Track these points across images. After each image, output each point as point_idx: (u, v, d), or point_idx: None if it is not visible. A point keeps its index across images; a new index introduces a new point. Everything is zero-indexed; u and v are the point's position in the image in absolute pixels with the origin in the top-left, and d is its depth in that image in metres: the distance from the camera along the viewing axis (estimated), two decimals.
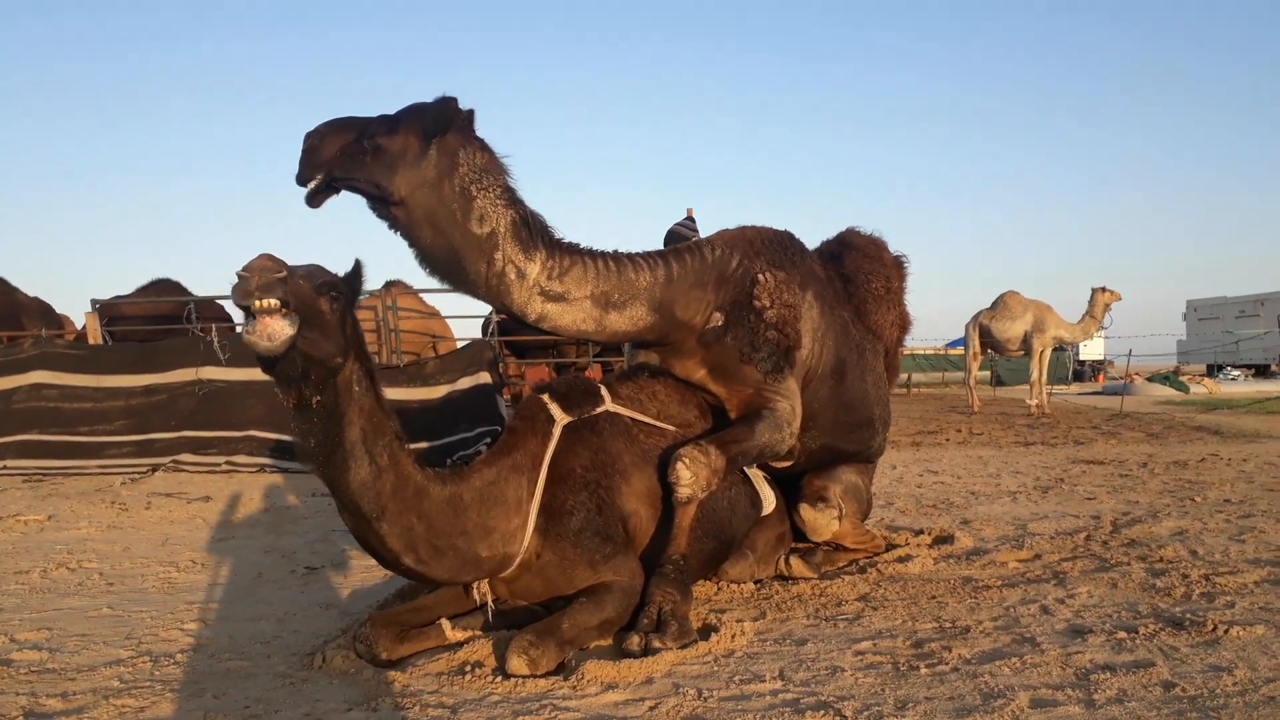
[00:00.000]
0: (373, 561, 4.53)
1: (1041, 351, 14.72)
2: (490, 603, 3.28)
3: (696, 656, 3.06)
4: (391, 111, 3.03)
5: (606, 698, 2.72)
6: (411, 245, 3.11)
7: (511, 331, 10.22)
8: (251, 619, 3.66)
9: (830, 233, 4.85)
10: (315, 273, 2.63)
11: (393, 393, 8.90)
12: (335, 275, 2.68)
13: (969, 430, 11.84)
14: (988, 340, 15.26)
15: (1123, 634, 3.20)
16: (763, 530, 4.09)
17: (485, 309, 11.75)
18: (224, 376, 9.19)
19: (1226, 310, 38.40)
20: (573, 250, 3.42)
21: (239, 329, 10.45)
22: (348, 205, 3.12)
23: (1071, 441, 10.23)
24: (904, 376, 23.40)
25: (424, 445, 8.49)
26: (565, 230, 3.40)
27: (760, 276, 3.79)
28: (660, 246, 4.03)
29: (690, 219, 6.08)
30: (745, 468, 3.96)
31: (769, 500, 4.09)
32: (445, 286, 3.36)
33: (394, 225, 3.10)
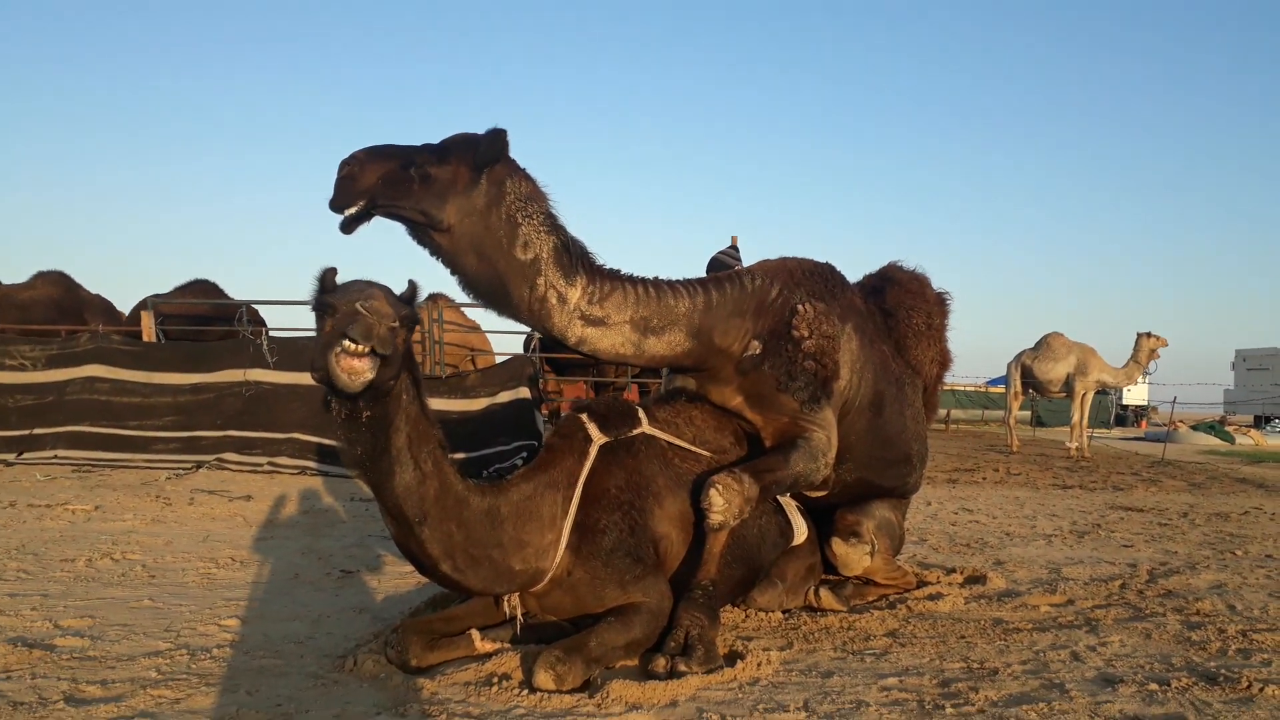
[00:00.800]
0: (405, 568, 4.65)
1: (1083, 394, 14.53)
2: (520, 616, 3.33)
3: (721, 682, 3.08)
4: (422, 142, 3.11)
5: (630, 718, 2.75)
6: (455, 271, 3.19)
7: (552, 349, 10.31)
8: (287, 619, 3.74)
9: (873, 267, 4.87)
10: (399, 304, 2.66)
11: (434, 403, 9.00)
12: (406, 304, 2.70)
13: (1006, 470, 11.71)
14: (1029, 380, 15.10)
15: (1154, 686, 3.16)
16: (793, 560, 4.10)
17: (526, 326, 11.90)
18: (271, 379, 9.38)
19: (1276, 361, 37.56)
20: (613, 276, 3.48)
21: (287, 333, 10.67)
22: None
23: (1111, 487, 10.08)
24: (943, 412, 23.20)
25: (461, 456, 8.60)
26: (607, 257, 3.47)
27: (800, 307, 3.82)
28: (703, 274, 4.08)
29: (734, 247, 6.13)
30: (778, 496, 3.97)
31: (800, 530, 4.09)
32: (485, 309, 3.43)
33: (435, 252, 3.18)
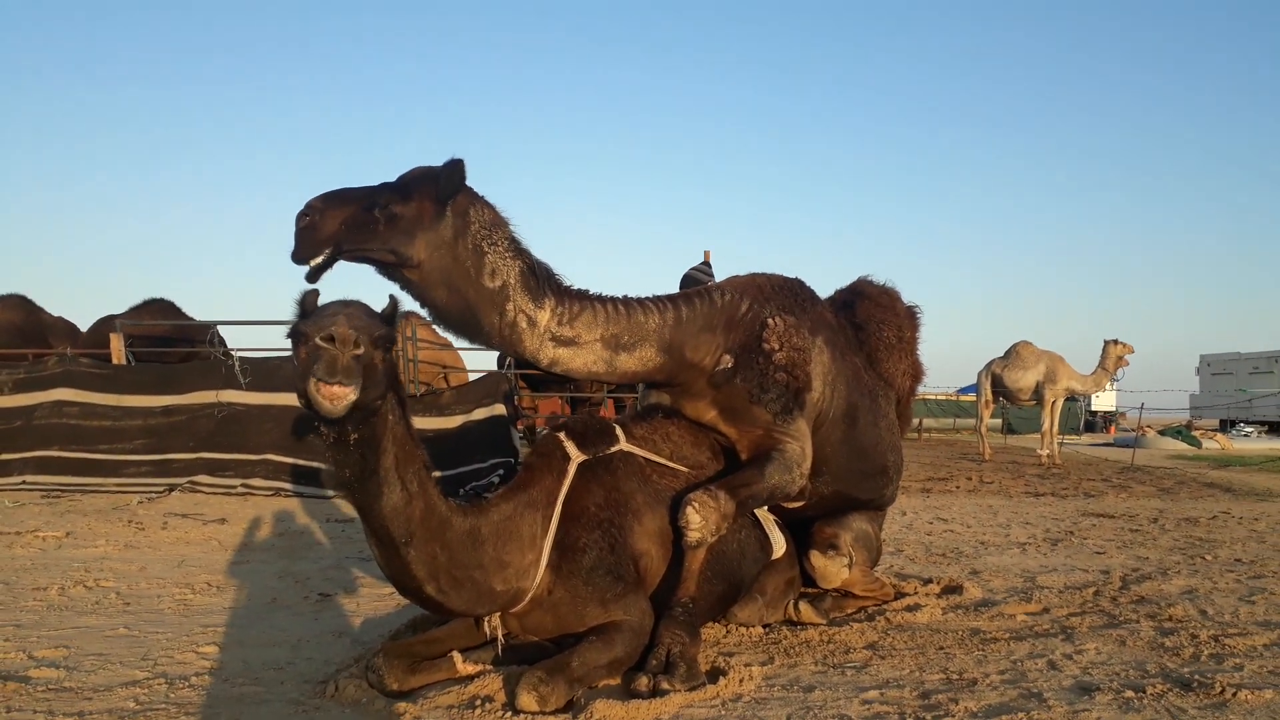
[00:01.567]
0: (383, 590, 4.62)
1: (1053, 402, 14.72)
2: (502, 637, 3.32)
3: (704, 700, 3.09)
4: (379, 181, 3.13)
5: None
6: (425, 305, 3.21)
7: (527, 365, 10.29)
8: (265, 644, 3.71)
9: (842, 281, 4.93)
10: (372, 325, 2.67)
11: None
12: (385, 323, 2.70)
13: (979, 478, 11.83)
14: (1000, 389, 15.28)
15: (1130, 693, 3.21)
16: (772, 575, 4.12)
17: (498, 351, 11.90)
18: (243, 400, 9.29)
19: (1240, 366, 38.21)
20: (581, 296, 3.52)
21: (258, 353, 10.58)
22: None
23: (1082, 494, 10.21)
24: (915, 421, 23.36)
25: (438, 474, 8.55)
26: (580, 273, 3.50)
27: (770, 320, 3.86)
28: (676, 290, 4.12)
29: (707, 263, 6.18)
30: (756, 510, 4.00)
31: (779, 544, 4.12)
32: (457, 337, 3.45)
33: (406, 286, 3.20)
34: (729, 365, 3.80)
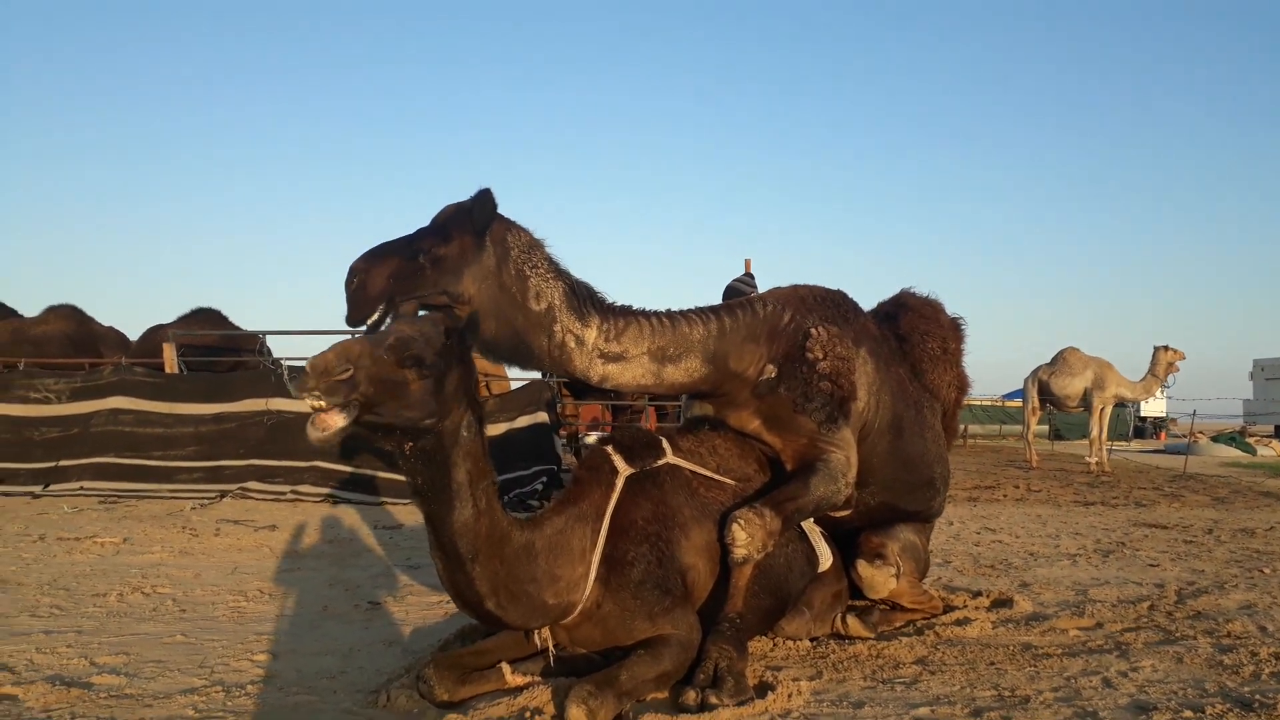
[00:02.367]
0: (432, 599, 4.68)
1: (1101, 409, 14.46)
2: (552, 648, 3.34)
3: (752, 715, 3.08)
4: (415, 227, 3.20)
5: None
6: (476, 337, 3.23)
7: None
8: (317, 653, 3.77)
9: (885, 289, 4.91)
10: (405, 343, 2.71)
11: None
12: (435, 337, 2.75)
13: (1027, 487, 11.66)
14: (1046, 396, 15.04)
15: (1189, 713, 3.14)
16: (819, 588, 4.10)
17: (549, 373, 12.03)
18: (292, 408, 9.44)
19: None
20: (625, 311, 3.55)
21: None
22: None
23: (1133, 503, 10.02)
24: (960, 428, 23.09)
25: None
26: (619, 286, 3.54)
27: (813, 330, 3.85)
28: (719, 301, 4.13)
29: (749, 274, 6.17)
30: (802, 523, 3.99)
31: (825, 557, 4.10)
32: (508, 365, 3.50)
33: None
34: (773, 375, 3.80)
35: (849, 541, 4.35)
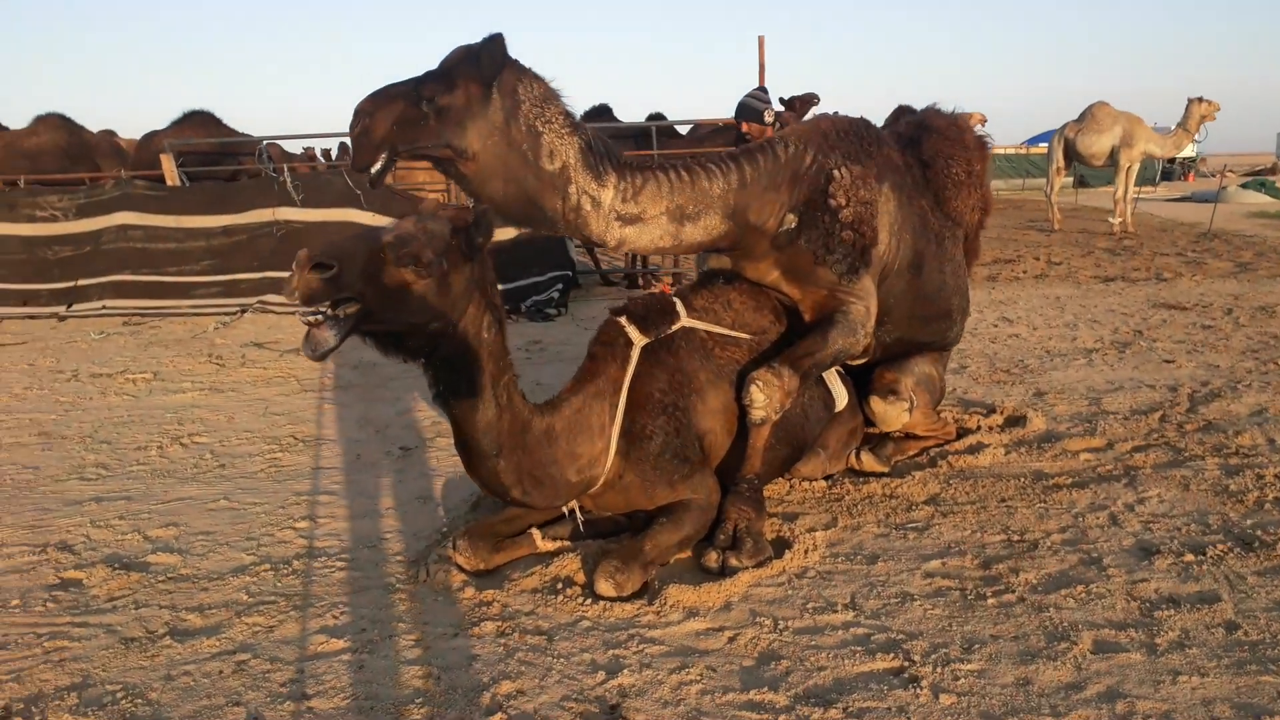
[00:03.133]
0: None
1: (1128, 167, 14.02)
2: (580, 515, 3.49)
3: (771, 576, 3.25)
4: (431, 67, 2.94)
5: (688, 626, 2.94)
6: (484, 199, 3.08)
7: None
8: (356, 515, 3.95)
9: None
10: (403, 240, 2.62)
11: None
12: (439, 234, 2.69)
13: (1048, 258, 11.56)
14: (1073, 154, 14.55)
15: (1190, 556, 3.29)
16: (835, 427, 4.19)
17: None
18: (300, 217, 9.37)
19: None
20: (642, 168, 3.39)
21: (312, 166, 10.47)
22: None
23: (1154, 276, 9.95)
24: None
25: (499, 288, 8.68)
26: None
27: (835, 173, 3.70)
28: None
29: (762, 88, 5.81)
30: None
31: (841, 398, 4.15)
32: (519, 228, 3.37)
33: (460, 180, 3.08)
34: (793, 225, 3.69)
35: (864, 374, 4.39)
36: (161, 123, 11.36)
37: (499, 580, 3.28)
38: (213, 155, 10.82)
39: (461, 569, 3.32)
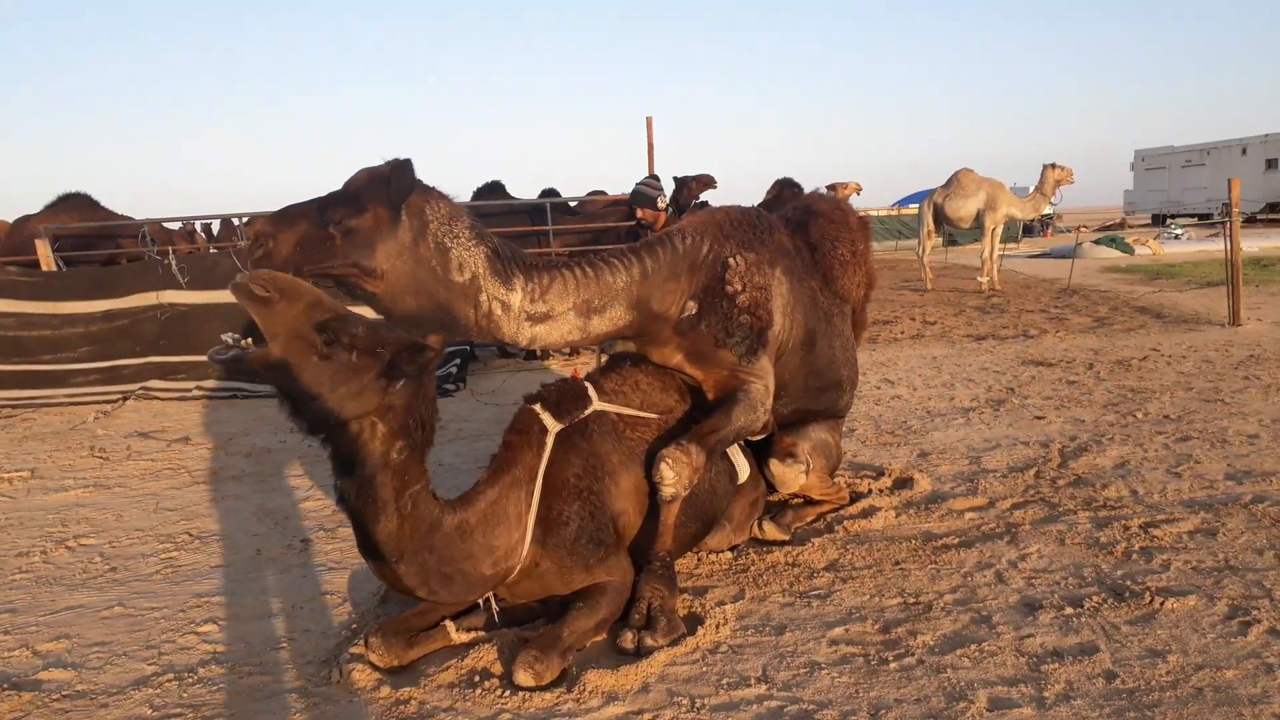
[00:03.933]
0: None
1: (993, 229, 14.96)
2: (495, 606, 3.51)
3: (686, 654, 3.34)
4: (330, 190, 3.03)
5: (608, 711, 2.99)
6: (394, 313, 3.16)
7: None
8: (261, 615, 3.86)
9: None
10: (339, 308, 2.74)
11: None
12: (371, 333, 2.77)
13: (923, 319, 12.17)
14: (941, 218, 15.45)
15: (1070, 609, 3.53)
16: (739, 500, 4.33)
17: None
18: (186, 300, 9.15)
19: (1173, 160, 38.85)
20: (548, 267, 3.52)
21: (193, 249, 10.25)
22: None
23: (1021, 333, 10.59)
24: None
25: None
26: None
27: (731, 260, 3.91)
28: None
29: (654, 176, 6.08)
30: None
31: (744, 470, 4.31)
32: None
33: (369, 300, 3.15)
34: (693, 311, 3.87)
35: (764, 444, 4.58)
36: (35, 206, 10.93)
37: (415, 676, 3.27)
38: (89, 239, 10.47)
39: (375, 667, 3.30)
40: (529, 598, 3.58)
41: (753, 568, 4.14)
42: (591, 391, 3.76)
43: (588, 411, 3.68)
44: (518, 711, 3.01)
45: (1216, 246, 18.56)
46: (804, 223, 4.69)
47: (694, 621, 3.59)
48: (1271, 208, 33.75)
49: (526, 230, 9.99)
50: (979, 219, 15.06)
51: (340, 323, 2.72)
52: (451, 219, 3.21)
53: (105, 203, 10.66)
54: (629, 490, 3.66)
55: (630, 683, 3.15)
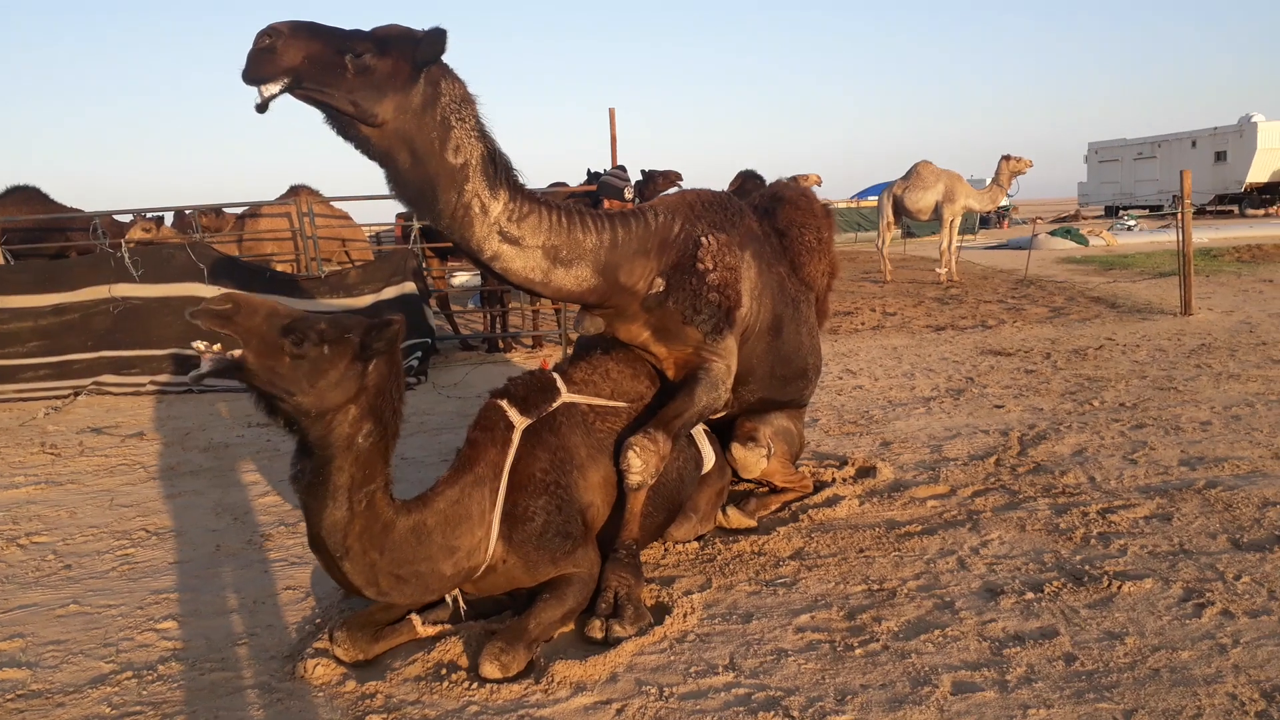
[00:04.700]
0: None
1: (951, 221, 15.13)
2: (462, 600, 3.48)
3: (653, 644, 3.34)
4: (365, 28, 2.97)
5: (576, 701, 2.98)
6: (385, 168, 3.12)
7: (435, 239, 10.01)
8: (221, 611, 3.80)
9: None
10: (294, 314, 2.72)
11: (314, 304, 8.80)
12: (331, 328, 2.75)
13: (883, 310, 12.29)
14: (900, 210, 15.59)
15: (1030, 594, 3.58)
16: (704, 489, 4.34)
17: (392, 217, 11.63)
18: (139, 293, 8.96)
19: (1126, 152, 39.56)
20: (531, 196, 3.48)
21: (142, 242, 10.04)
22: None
23: (980, 324, 10.73)
24: None
25: None
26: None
27: (703, 240, 3.92)
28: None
29: (620, 167, 6.07)
30: None
31: (709, 458, 4.33)
32: (408, 208, 3.44)
33: (362, 145, 3.08)
34: (661, 289, 3.86)
35: (727, 428, 4.60)
36: None
37: (380, 670, 3.24)
38: (37, 232, 10.21)
39: (340, 661, 3.26)
40: (495, 591, 3.55)
41: (719, 557, 4.16)
42: (560, 383, 3.74)
43: (556, 404, 3.66)
44: (485, 704, 3.00)
45: (1168, 237, 18.93)
46: (771, 209, 4.72)
47: (661, 611, 3.59)
48: (1220, 199, 34.53)
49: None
50: (937, 211, 15.22)
51: (303, 323, 2.73)
52: (463, 103, 3.17)
53: (55, 196, 10.39)
54: (597, 483, 3.65)
55: (599, 673, 3.14)
